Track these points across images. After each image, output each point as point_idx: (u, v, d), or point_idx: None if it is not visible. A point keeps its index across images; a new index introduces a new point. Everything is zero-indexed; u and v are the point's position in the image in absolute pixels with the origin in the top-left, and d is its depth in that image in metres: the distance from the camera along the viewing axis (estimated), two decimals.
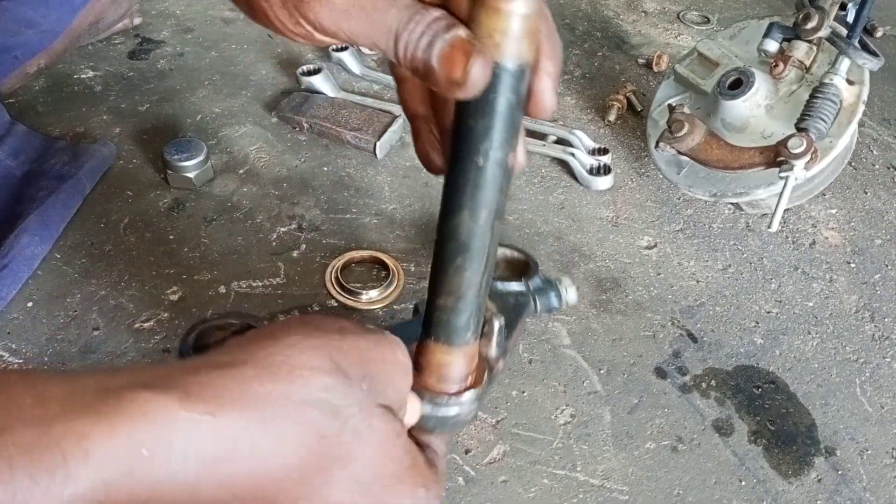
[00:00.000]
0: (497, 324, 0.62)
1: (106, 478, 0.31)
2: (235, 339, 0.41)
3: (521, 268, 0.80)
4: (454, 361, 0.53)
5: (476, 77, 0.38)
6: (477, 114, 0.41)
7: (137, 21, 1.21)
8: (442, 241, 0.48)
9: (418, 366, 0.53)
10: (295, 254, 0.90)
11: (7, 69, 0.67)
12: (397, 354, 0.44)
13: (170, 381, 0.35)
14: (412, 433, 0.46)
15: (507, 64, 0.40)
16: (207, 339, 0.78)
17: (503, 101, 0.41)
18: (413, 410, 0.47)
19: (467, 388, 0.55)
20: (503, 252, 0.80)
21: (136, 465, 0.32)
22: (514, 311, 0.71)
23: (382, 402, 0.42)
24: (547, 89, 0.42)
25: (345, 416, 0.38)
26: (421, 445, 0.47)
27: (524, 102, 0.42)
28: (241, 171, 0.99)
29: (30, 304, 0.82)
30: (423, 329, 0.52)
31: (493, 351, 0.63)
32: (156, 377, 0.35)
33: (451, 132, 0.43)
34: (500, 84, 0.40)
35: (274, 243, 0.91)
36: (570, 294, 0.77)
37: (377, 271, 0.89)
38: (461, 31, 0.38)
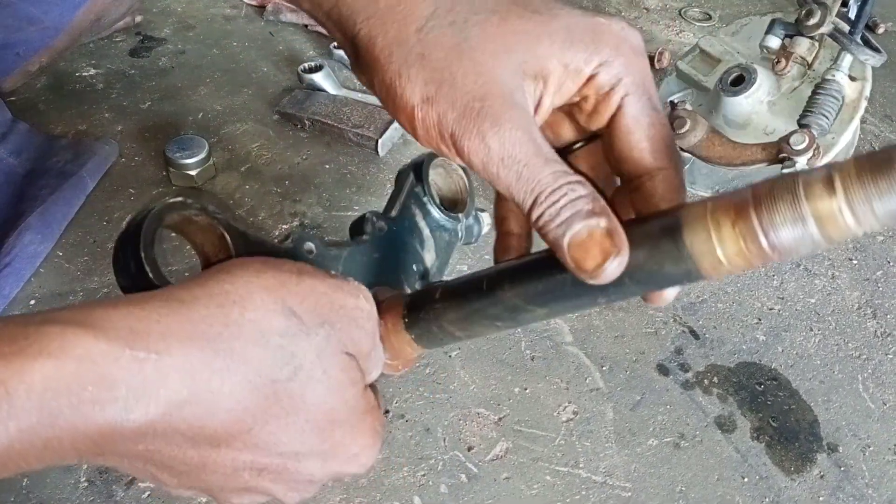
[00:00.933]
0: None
1: (51, 412, 0.31)
2: (193, 275, 0.40)
3: (461, 195, 0.67)
4: (413, 356, 0.51)
5: (608, 275, 0.35)
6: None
7: (139, 19, 1.21)
8: (494, 298, 0.42)
9: (381, 338, 0.49)
10: None
11: (9, 66, 0.67)
12: (359, 300, 0.42)
13: (116, 319, 0.34)
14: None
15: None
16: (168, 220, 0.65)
17: (577, 301, 0.39)
18: (380, 359, 0.45)
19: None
20: (457, 171, 0.66)
21: (80, 402, 0.32)
22: (445, 251, 0.64)
23: (345, 349, 0.41)
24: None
25: (298, 362, 0.38)
26: (376, 392, 0.46)
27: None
28: (242, 169, 0.99)
29: (32, 302, 0.82)
30: (408, 320, 0.47)
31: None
32: (102, 315, 0.34)
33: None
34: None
35: (276, 241, 0.91)
36: (484, 226, 0.67)
37: None
38: (603, 223, 0.36)
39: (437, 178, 0.60)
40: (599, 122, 0.42)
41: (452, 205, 0.61)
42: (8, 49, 0.64)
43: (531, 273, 0.40)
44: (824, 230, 0.31)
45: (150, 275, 0.42)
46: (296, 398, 0.38)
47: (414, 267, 0.58)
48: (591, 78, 0.40)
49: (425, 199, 0.58)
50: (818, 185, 0.30)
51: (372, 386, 0.45)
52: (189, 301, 0.37)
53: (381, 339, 0.46)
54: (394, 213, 0.57)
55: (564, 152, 0.45)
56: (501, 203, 0.48)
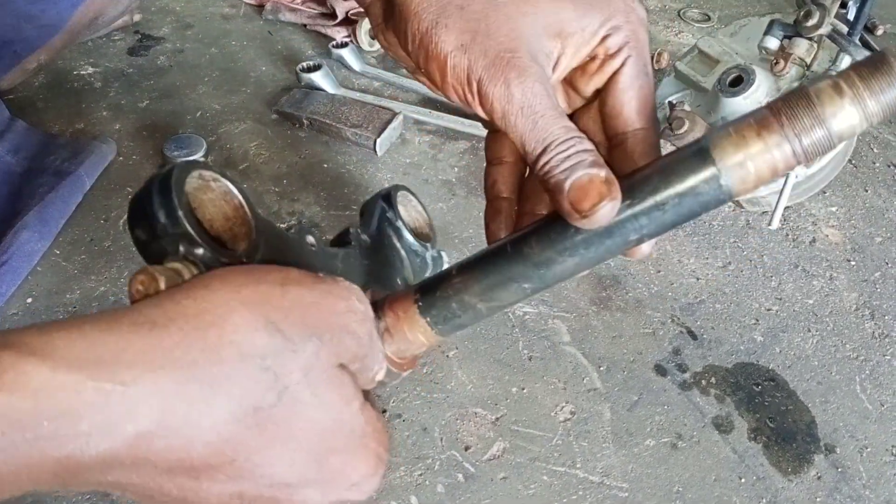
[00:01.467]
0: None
1: (3, 447, 0.29)
2: (168, 290, 0.36)
3: (423, 228, 0.70)
4: (426, 345, 0.49)
5: (601, 216, 0.39)
6: (586, 234, 0.41)
7: (137, 17, 1.21)
8: (522, 257, 0.44)
9: (389, 331, 0.48)
10: None
11: (7, 64, 0.67)
12: (351, 302, 0.39)
13: (78, 345, 0.31)
14: (370, 394, 0.43)
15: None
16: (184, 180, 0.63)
17: (610, 241, 0.41)
18: (379, 364, 0.42)
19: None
20: (416, 207, 0.70)
21: (36, 437, 0.30)
22: (419, 276, 0.64)
23: (339, 359, 0.38)
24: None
25: (283, 384, 0.35)
26: (374, 405, 0.43)
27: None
28: (240, 168, 0.99)
29: (29, 300, 0.82)
30: (422, 304, 0.46)
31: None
32: (63, 341, 0.31)
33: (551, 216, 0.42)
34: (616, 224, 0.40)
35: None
36: (445, 263, 0.67)
37: None
38: (603, 173, 0.39)
39: (401, 210, 0.62)
40: (600, 81, 0.46)
41: (416, 237, 0.63)
42: (5, 46, 0.64)
43: (557, 225, 0.41)
44: (839, 128, 0.36)
45: (184, 220, 0.38)
46: (283, 425, 0.36)
47: (399, 279, 0.59)
48: (603, 39, 0.44)
49: (398, 223, 0.60)
50: (828, 91, 0.36)
51: (369, 396, 0.43)
52: (162, 323, 0.33)
53: (390, 333, 0.44)
54: (371, 230, 0.59)
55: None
56: (491, 170, 0.50)
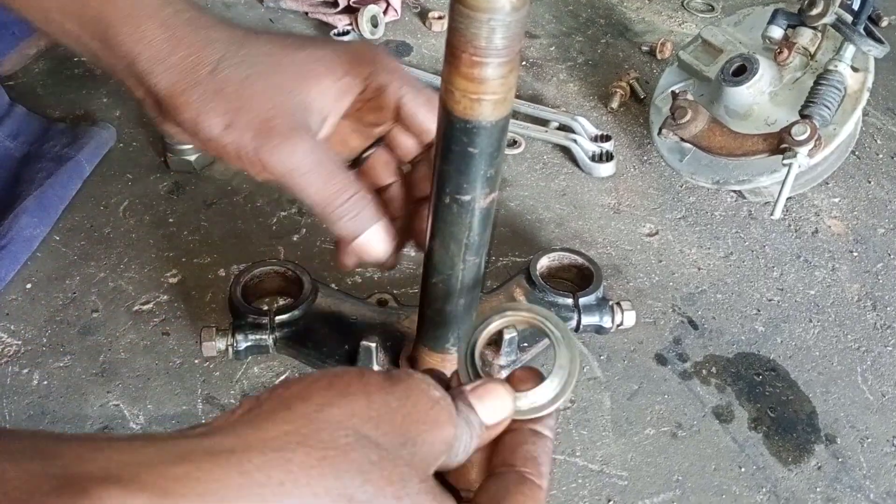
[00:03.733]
0: (507, 336, 0.69)
1: None
2: (244, 406, 0.34)
3: (584, 278, 0.82)
4: (437, 364, 0.64)
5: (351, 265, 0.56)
6: (444, 161, 0.47)
7: None
8: (424, 262, 0.56)
9: (414, 361, 0.66)
10: (295, 238, 0.89)
11: (6, 47, 0.67)
12: (431, 394, 0.36)
13: (150, 471, 0.28)
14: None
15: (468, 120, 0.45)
16: (260, 285, 0.79)
17: (466, 151, 0.46)
18: (465, 445, 0.38)
19: None
20: (570, 258, 0.83)
21: None
22: None
23: (433, 462, 0.35)
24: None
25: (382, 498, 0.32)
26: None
27: (497, 152, 0.47)
28: None
29: (28, 286, 0.81)
30: (416, 334, 0.63)
31: (501, 360, 0.70)
32: (133, 465, 0.28)
33: (431, 174, 0.50)
34: (463, 135, 0.45)
35: (274, 227, 0.90)
36: (626, 317, 0.78)
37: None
38: (381, 225, 0.54)
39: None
40: (386, 117, 0.54)
41: None
42: (3, 28, 0.63)
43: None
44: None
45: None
46: None
47: None
48: (366, 87, 0.52)
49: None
50: None
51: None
52: (240, 450, 0.30)
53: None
54: None
55: (357, 161, 0.58)
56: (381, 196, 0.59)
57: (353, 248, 0.52)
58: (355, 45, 0.54)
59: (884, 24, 1.45)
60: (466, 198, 0.49)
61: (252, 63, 0.49)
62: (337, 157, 0.51)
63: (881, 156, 1.11)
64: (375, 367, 0.69)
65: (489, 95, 0.43)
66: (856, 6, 0.95)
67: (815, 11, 0.91)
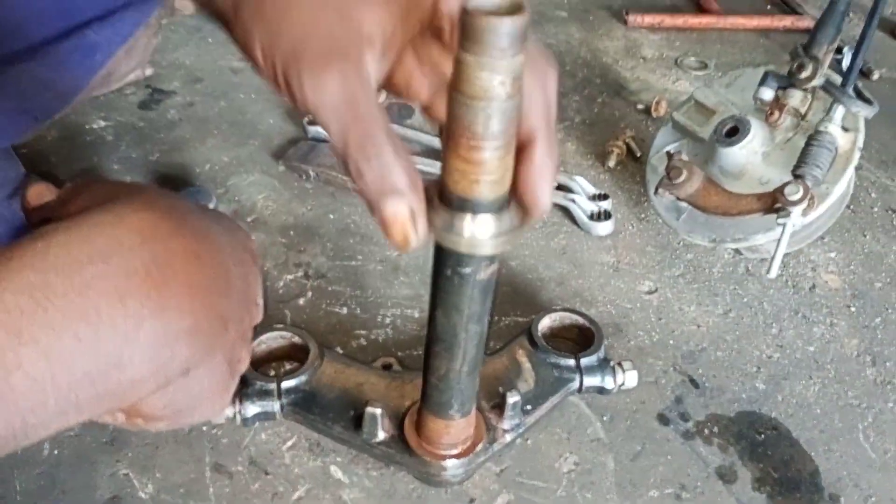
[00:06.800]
0: (511, 399, 0.71)
1: None
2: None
3: (586, 338, 0.83)
4: (441, 430, 0.67)
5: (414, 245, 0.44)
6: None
7: (149, 72, 1.24)
8: (428, 330, 0.57)
9: (419, 427, 0.68)
10: (301, 301, 0.91)
11: (23, 129, 0.69)
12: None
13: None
14: None
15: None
16: (266, 351, 0.80)
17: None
18: None
19: (453, 456, 0.69)
20: (572, 318, 0.84)
21: None
22: (551, 385, 0.78)
23: None
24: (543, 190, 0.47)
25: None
26: None
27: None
28: (249, 220, 1.01)
29: None
30: (420, 400, 0.65)
31: (504, 423, 0.72)
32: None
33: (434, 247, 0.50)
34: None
35: (281, 291, 0.92)
36: (627, 378, 0.79)
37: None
38: (407, 210, 0.43)
39: None
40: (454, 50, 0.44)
41: None
42: (26, 114, 0.66)
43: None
44: None
45: None
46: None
47: None
48: (434, 8, 0.43)
49: None
50: None
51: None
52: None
53: None
54: None
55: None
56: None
57: (378, 219, 0.43)
58: None
59: (875, 77, 1.49)
60: (467, 270, 0.51)
61: None
62: (376, 98, 0.42)
63: (876, 209, 1.13)
64: (381, 434, 0.70)
65: (487, 176, 0.45)
66: (846, 64, 0.98)
67: (804, 74, 0.94)
